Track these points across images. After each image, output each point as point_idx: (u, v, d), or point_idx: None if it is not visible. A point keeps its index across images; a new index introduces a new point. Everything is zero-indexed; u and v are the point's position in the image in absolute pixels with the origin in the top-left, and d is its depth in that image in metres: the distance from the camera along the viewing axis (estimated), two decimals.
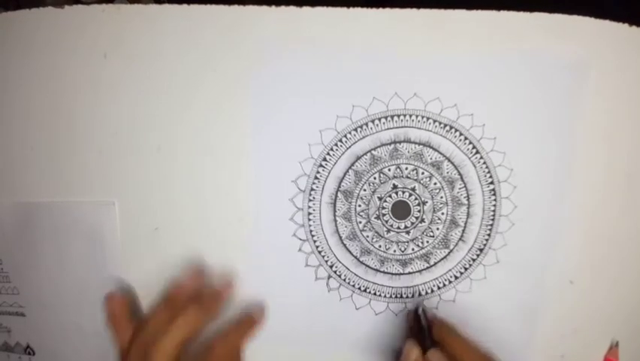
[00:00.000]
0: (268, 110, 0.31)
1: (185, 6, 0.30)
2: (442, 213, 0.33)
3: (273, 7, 0.30)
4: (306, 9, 0.30)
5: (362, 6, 0.30)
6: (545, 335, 0.35)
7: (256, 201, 0.33)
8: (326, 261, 0.34)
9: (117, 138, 0.32)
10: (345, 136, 0.32)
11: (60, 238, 0.32)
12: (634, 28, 0.31)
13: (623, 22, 0.31)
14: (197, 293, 0.30)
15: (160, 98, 0.32)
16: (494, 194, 0.33)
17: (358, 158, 0.32)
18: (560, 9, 0.30)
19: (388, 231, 0.34)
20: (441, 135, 0.32)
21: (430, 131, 0.32)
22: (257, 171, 0.32)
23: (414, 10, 0.30)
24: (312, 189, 0.32)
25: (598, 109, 0.32)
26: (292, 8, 0.30)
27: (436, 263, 0.34)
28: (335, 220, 0.33)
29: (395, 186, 0.33)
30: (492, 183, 0.33)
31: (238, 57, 0.31)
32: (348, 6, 0.30)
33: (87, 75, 0.31)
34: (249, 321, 0.32)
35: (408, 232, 0.34)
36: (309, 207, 0.33)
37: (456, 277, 0.35)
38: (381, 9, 0.30)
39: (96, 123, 0.32)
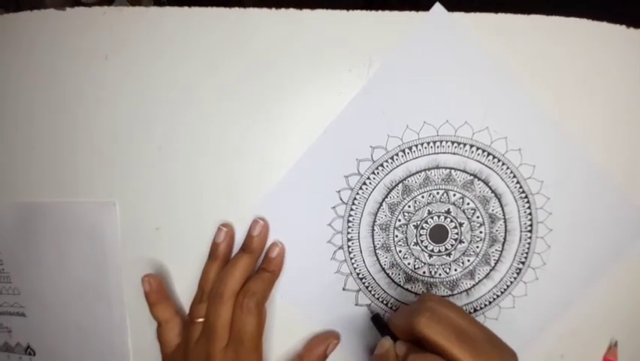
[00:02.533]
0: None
1: (185, 8, 0.31)
2: (480, 232, 0.34)
3: (274, 9, 0.30)
4: (306, 11, 0.30)
5: (361, 9, 0.30)
6: (545, 335, 0.35)
7: (293, 231, 0.33)
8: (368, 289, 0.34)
9: (118, 139, 0.32)
10: (380, 166, 0.32)
11: (61, 238, 0.32)
12: (631, 29, 0.31)
13: (621, 23, 0.31)
14: (243, 244, 0.33)
15: (161, 99, 0.32)
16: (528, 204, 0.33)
17: (390, 190, 0.33)
18: (557, 11, 0.31)
19: (430, 256, 0.34)
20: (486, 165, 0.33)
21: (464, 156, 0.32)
22: (292, 206, 0.33)
23: (412, 13, 0.30)
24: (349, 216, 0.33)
25: (596, 110, 0.32)
26: (292, 11, 0.30)
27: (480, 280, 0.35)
28: (375, 252, 0.34)
29: (430, 212, 0.33)
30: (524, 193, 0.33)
31: (238, 59, 0.31)
32: (347, 9, 0.30)
33: (88, 76, 0.32)
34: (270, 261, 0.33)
35: (449, 254, 0.34)
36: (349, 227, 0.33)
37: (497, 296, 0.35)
38: (380, 11, 0.30)
39: (97, 124, 0.32)
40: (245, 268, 0.31)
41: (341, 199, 0.33)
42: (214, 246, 0.32)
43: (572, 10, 0.31)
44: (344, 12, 0.30)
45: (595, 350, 0.36)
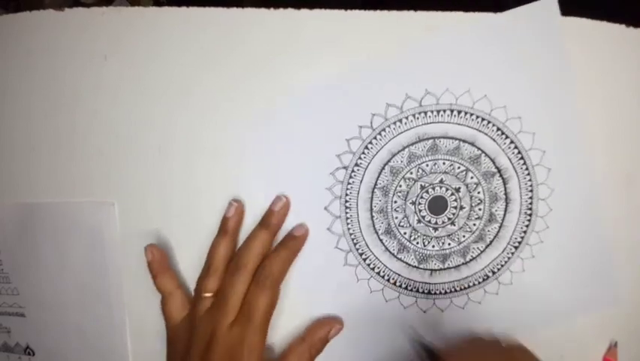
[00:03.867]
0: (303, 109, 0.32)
1: (184, 8, 0.31)
2: (479, 209, 0.33)
3: (272, 9, 0.30)
4: (304, 11, 0.30)
5: (359, 8, 0.30)
6: (544, 335, 0.35)
7: (291, 200, 0.33)
8: (363, 257, 0.34)
9: (117, 139, 0.32)
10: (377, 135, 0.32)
11: (60, 239, 0.32)
12: (630, 28, 0.31)
13: (620, 23, 0.31)
14: (262, 219, 0.33)
15: (160, 100, 0.32)
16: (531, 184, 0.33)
17: (394, 155, 0.32)
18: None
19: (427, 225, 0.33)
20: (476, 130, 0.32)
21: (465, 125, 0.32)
22: (289, 173, 0.32)
23: (411, 13, 0.30)
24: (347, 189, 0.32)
25: (595, 110, 0.32)
26: (290, 11, 0.30)
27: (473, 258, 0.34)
28: (372, 216, 0.33)
29: (423, 187, 0.33)
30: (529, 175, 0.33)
31: (237, 59, 0.31)
32: (345, 8, 0.30)
33: (87, 77, 0.32)
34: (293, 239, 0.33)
35: (453, 223, 0.34)
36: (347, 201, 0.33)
37: (493, 272, 0.34)
38: (378, 11, 0.30)
39: (96, 124, 0.32)
40: (263, 243, 0.31)
41: (350, 147, 0.32)
42: (224, 220, 0.32)
43: (571, 10, 0.31)
44: (342, 12, 0.30)
45: (595, 350, 0.36)
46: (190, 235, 0.33)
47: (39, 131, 0.33)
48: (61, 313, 0.35)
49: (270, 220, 0.32)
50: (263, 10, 0.30)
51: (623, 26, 0.31)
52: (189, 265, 0.33)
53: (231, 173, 0.32)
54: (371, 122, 0.32)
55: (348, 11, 0.30)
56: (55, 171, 0.33)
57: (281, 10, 0.30)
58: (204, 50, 0.31)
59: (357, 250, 0.34)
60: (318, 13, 0.30)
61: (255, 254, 0.31)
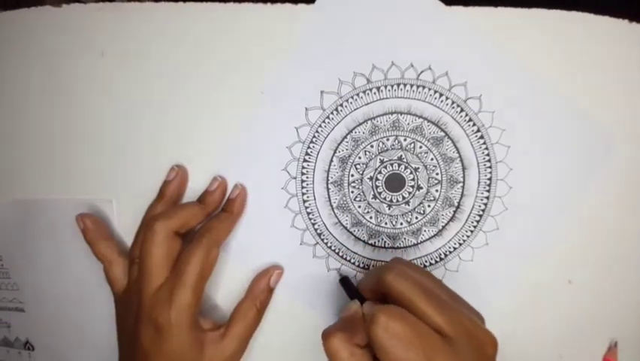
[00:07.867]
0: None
1: (181, 3, 0.31)
2: (437, 174, 0.32)
3: (269, 4, 0.30)
4: (302, 6, 0.30)
5: None
6: (543, 335, 0.35)
7: (249, 166, 0.32)
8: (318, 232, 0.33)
9: (115, 135, 0.32)
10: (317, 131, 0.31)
11: (58, 235, 0.32)
12: (633, 24, 0.31)
13: (623, 18, 0.30)
14: (199, 197, 0.32)
15: (157, 95, 0.32)
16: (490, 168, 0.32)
17: (339, 143, 0.32)
18: (558, 5, 0.30)
19: (389, 207, 0.33)
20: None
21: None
22: (251, 135, 0.32)
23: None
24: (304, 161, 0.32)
25: (593, 108, 0.32)
26: (288, 6, 0.30)
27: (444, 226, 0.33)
28: (328, 188, 0.32)
29: (382, 161, 0.32)
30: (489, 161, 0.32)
31: (236, 54, 0.31)
32: None
33: (85, 73, 0.32)
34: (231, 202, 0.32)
35: (407, 203, 0.33)
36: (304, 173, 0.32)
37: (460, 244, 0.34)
38: None
39: (94, 121, 0.32)
40: (190, 213, 0.30)
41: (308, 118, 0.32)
42: (163, 185, 0.32)
43: (574, 5, 0.30)
44: None
45: (595, 350, 0.36)
46: None
47: (37, 128, 0.33)
48: (61, 308, 0.35)
49: (203, 199, 0.31)
50: (259, 6, 0.30)
51: (625, 21, 0.30)
52: None
53: (230, 171, 0.32)
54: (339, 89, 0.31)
55: None
56: (53, 168, 0.33)
57: (278, 5, 0.30)
58: (201, 45, 0.31)
59: (309, 214, 0.33)
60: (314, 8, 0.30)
61: (175, 219, 0.29)
